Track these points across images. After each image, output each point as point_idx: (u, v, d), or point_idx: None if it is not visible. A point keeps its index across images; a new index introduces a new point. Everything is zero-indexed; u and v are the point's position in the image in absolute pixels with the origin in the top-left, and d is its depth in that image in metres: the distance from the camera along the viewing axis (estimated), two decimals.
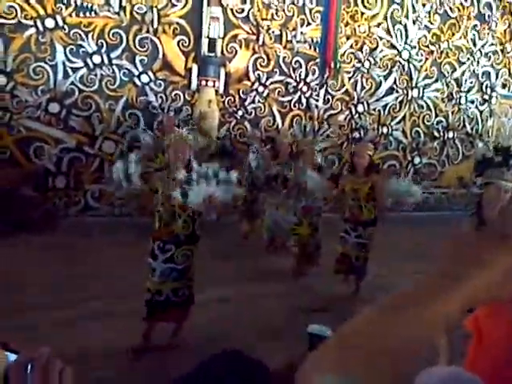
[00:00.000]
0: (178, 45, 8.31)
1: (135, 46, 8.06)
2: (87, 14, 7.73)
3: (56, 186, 7.82)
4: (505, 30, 11.11)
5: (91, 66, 7.86)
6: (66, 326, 4.08)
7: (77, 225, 7.35)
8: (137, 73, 8.11)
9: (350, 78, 9.76)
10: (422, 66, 10.36)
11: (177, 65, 8.34)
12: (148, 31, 8.10)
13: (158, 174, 3.88)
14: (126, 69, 8.05)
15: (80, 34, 7.73)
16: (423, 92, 10.48)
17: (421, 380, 1.31)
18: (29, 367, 0.80)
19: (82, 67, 7.81)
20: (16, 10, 7.35)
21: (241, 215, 7.52)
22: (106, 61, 7.92)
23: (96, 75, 7.90)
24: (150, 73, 8.19)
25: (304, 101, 9.40)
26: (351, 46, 9.65)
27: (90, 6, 7.71)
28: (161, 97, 8.30)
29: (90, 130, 7.96)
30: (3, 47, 7.34)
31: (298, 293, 5.32)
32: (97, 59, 7.87)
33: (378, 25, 9.78)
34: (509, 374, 1.28)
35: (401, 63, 10.15)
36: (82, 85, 7.84)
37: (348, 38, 9.58)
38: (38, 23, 7.47)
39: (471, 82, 10.96)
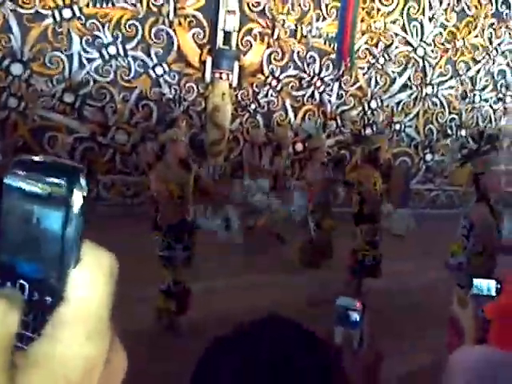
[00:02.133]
0: (193, 37, 8.33)
1: (151, 38, 8.08)
2: (104, 4, 7.76)
3: None
4: None
5: (106, 56, 7.90)
6: None
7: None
8: (151, 64, 8.15)
9: (364, 74, 9.72)
10: (436, 64, 10.30)
11: (191, 57, 8.36)
12: (164, 23, 8.13)
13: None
14: (141, 60, 8.09)
15: (96, 25, 7.77)
16: (437, 89, 10.42)
17: (459, 358, 1.27)
18: None
19: (97, 58, 7.86)
20: (34, 0, 7.39)
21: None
22: (121, 52, 7.96)
23: (111, 66, 7.95)
24: (165, 65, 8.22)
25: (317, 96, 9.39)
26: (366, 42, 9.60)
27: None
28: (175, 89, 8.33)
29: (104, 120, 8.01)
30: (20, 36, 7.39)
31: (315, 285, 5.33)
32: (112, 50, 7.91)
33: (394, 21, 9.72)
34: None
35: (416, 60, 10.09)
36: (96, 75, 7.89)
37: (363, 34, 9.53)
38: (56, 13, 7.52)
39: (486, 81, 10.87)
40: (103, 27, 7.81)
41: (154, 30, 8.07)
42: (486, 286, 1.87)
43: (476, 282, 1.89)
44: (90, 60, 7.84)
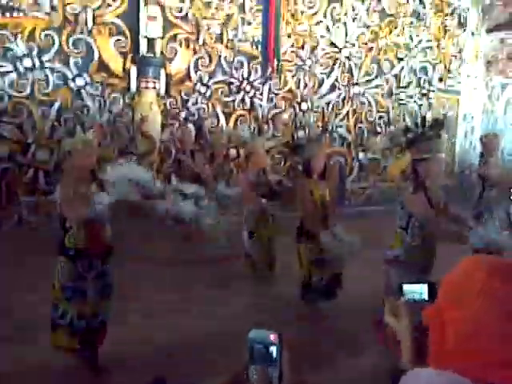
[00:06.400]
0: (115, 45, 7.96)
1: (69, 48, 7.65)
2: (15, 14, 7.25)
3: None
4: (439, 27, 11.41)
5: (21, 69, 7.39)
6: None
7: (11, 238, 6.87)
8: (71, 76, 7.70)
9: (292, 76, 9.70)
10: (362, 63, 10.46)
11: (114, 66, 7.98)
12: (82, 32, 7.71)
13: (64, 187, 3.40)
14: (60, 72, 7.63)
15: (7, 36, 7.26)
16: (364, 89, 10.58)
17: None
18: None
19: (11, 71, 7.33)
20: None
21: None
22: (37, 64, 7.47)
23: (27, 79, 7.44)
24: (86, 75, 7.80)
25: (248, 100, 9.26)
26: (292, 45, 9.59)
27: (17, 5, 7.24)
28: (98, 100, 7.92)
29: (23, 138, 7.48)
30: None
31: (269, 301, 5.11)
32: (27, 63, 7.41)
33: (318, 23, 9.78)
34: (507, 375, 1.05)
35: (341, 61, 10.19)
36: (12, 90, 7.36)
37: (289, 36, 9.52)
38: None
39: (409, 78, 11.17)
40: (15, 38, 7.30)
41: (71, 40, 7.64)
42: (418, 290, 1.63)
43: (406, 287, 1.63)
44: (3, 74, 7.31)
